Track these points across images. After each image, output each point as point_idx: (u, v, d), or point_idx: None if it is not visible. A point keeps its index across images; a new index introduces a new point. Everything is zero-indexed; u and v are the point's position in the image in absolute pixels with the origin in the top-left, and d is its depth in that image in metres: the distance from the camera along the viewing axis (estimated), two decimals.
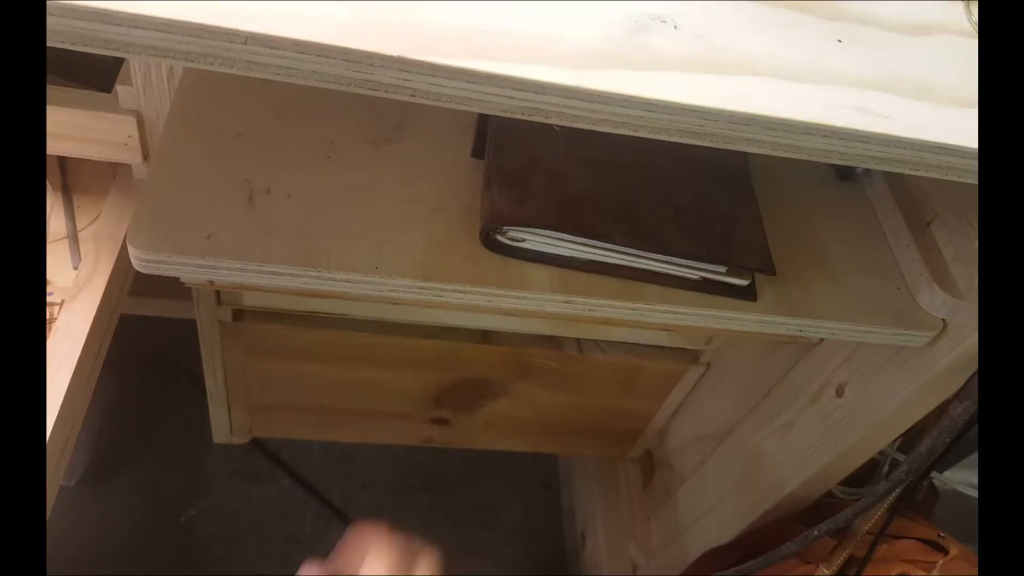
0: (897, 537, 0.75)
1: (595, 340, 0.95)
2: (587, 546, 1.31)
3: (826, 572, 0.73)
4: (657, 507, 1.13)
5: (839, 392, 0.79)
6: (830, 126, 0.40)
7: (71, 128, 0.66)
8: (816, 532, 0.64)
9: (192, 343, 0.86)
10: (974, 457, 0.79)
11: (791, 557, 0.67)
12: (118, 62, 0.66)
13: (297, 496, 1.38)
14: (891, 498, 0.65)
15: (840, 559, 0.73)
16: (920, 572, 0.74)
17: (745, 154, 0.64)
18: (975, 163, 0.42)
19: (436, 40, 0.38)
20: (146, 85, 0.64)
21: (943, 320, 0.64)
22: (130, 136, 0.67)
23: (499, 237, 0.58)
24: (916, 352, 0.69)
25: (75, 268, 0.71)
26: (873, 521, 0.69)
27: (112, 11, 0.34)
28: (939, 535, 0.78)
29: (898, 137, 0.41)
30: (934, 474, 0.79)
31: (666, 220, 0.60)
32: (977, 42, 0.49)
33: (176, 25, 0.35)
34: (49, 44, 0.35)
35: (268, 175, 0.58)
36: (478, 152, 0.64)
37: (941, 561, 0.75)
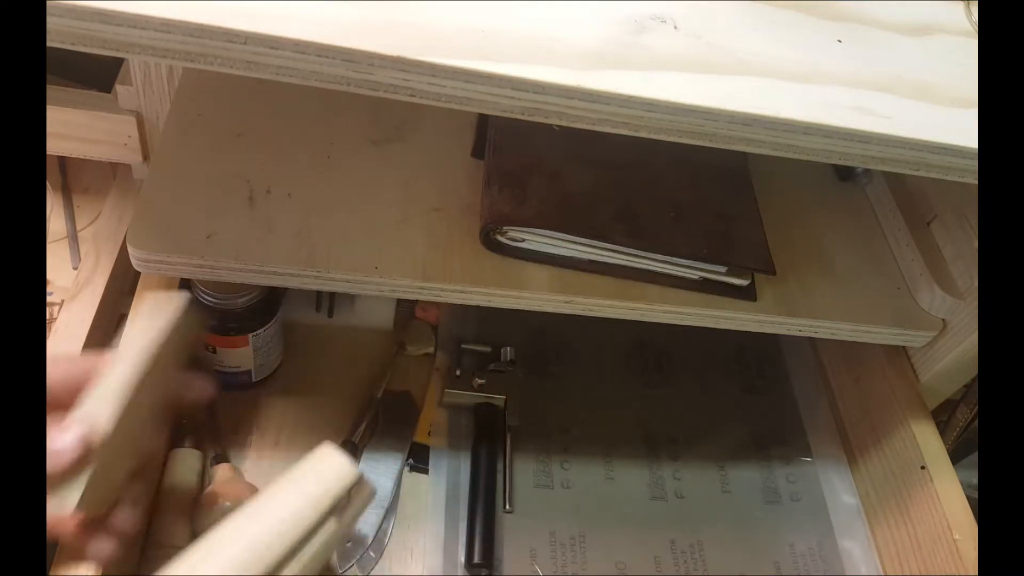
0: None
1: None
2: None
3: None
4: None
5: None
6: (830, 126, 0.40)
7: (71, 128, 0.66)
8: None
9: None
10: (974, 457, 0.79)
11: None
12: (118, 62, 0.66)
13: None
14: None
15: None
16: None
17: (745, 154, 0.64)
18: (975, 163, 0.42)
19: (436, 40, 0.38)
20: (146, 85, 0.64)
21: (943, 320, 0.64)
22: (130, 136, 0.67)
23: (499, 237, 0.58)
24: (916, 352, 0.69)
25: (75, 268, 0.71)
26: None
27: (112, 11, 0.34)
28: None
29: (898, 137, 0.41)
30: None
31: (666, 220, 0.60)
32: (977, 42, 0.49)
33: (176, 25, 0.35)
34: (49, 44, 0.35)
35: (268, 175, 0.58)
36: (478, 152, 0.64)
37: None
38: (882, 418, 0.70)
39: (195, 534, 0.59)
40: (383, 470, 0.67)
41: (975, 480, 0.73)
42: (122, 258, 0.69)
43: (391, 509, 0.65)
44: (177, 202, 0.55)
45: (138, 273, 0.56)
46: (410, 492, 0.66)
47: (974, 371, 0.66)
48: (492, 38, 0.39)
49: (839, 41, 0.46)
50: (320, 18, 0.37)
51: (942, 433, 0.69)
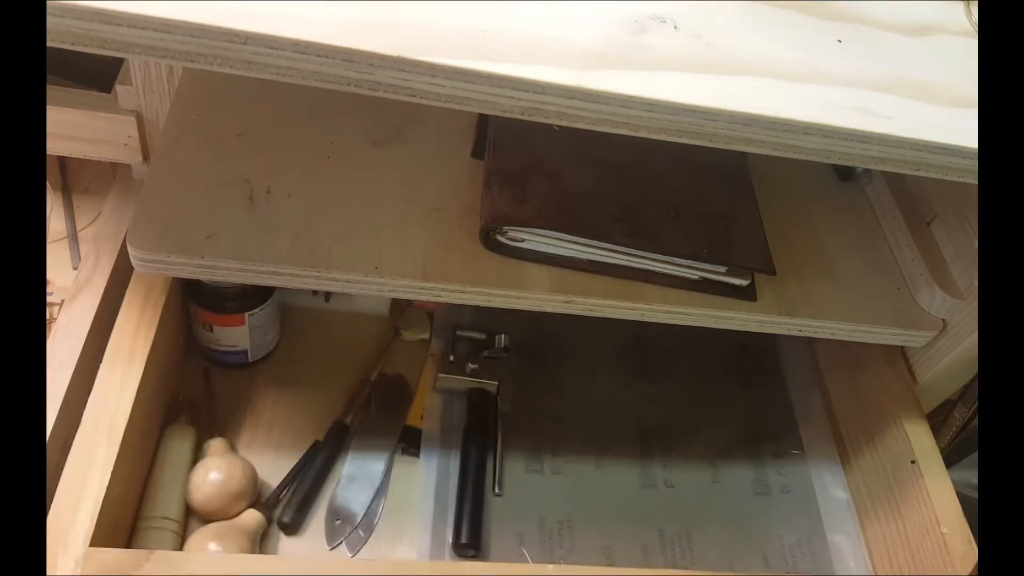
0: None
1: None
2: None
3: None
4: None
5: None
6: (830, 126, 0.40)
7: (71, 128, 0.66)
8: None
9: None
10: (974, 457, 0.79)
11: None
12: (118, 62, 0.66)
13: None
14: None
15: None
16: None
17: (745, 154, 0.64)
18: (975, 163, 0.42)
19: (436, 40, 0.38)
20: (146, 85, 0.64)
21: (943, 320, 0.64)
22: (130, 136, 0.67)
23: (499, 237, 0.58)
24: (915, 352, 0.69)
25: (75, 268, 0.71)
26: None
27: (112, 11, 0.34)
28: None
29: (898, 137, 0.41)
30: None
31: (666, 220, 0.60)
32: (977, 42, 0.49)
33: (176, 25, 0.35)
34: (49, 44, 0.35)
35: (268, 175, 0.58)
36: (478, 152, 0.64)
37: None
38: (875, 415, 0.70)
39: (188, 507, 0.61)
40: (375, 452, 0.68)
41: (974, 480, 0.74)
42: (122, 258, 0.69)
43: (381, 491, 0.66)
44: (177, 202, 0.55)
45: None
46: (401, 474, 0.67)
47: (974, 371, 0.66)
48: (492, 38, 0.39)
49: (839, 41, 0.46)
50: (320, 18, 0.37)
51: (939, 432, 0.69)
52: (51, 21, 0.34)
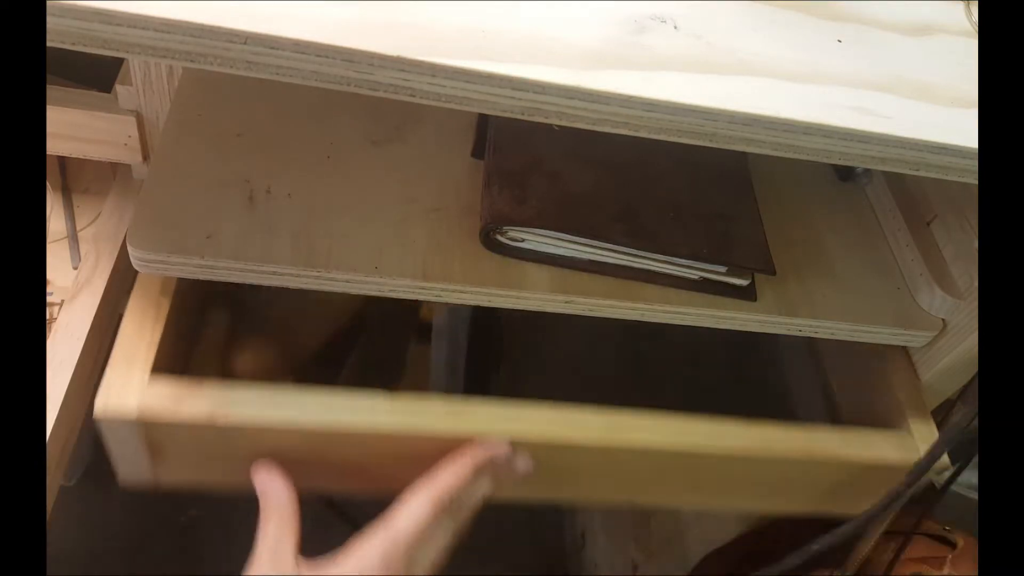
0: (903, 533, 0.74)
1: None
2: (587, 545, 1.31)
3: None
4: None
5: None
6: (830, 126, 0.41)
7: (71, 128, 0.66)
8: (816, 546, 0.63)
9: None
10: (973, 457, 0.79)
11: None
12: (118, 62, 0.66)
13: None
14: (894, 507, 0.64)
15: (856, 562, 0.72)
16: (932, 571, 0.74)
17: (745, 154, 0.64)
18: (975, 163, 0.42)
19: (436, 40, 0.38)
20: (146, 85, 0.64)
21: (943, 320, 0.64)
22: (130, 136, 0.67)
23: (499, 237, 0.58)
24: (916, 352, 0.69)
25: (75, 268, 0.71)
26: (887, 522, 0.69)
27: (112, 11, 0.34)
28: (944, 528, 0.77)
29: (898, 137, 0.41)
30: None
31: (666, 220, 0.60)
32: (977, 42, 0.49)
33: (176, 25, 0.35)
34: (49, 44, 0.35)
35: (268, 175, 0.58)
36: (478, 152, 0.64)
37: (950, 556, 0.75)
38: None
39: (223, 372, 0.66)
40: (390, 341, 0.75)
41: (974, 480, 0.73)
42: (122, 258, 0.69)
43: (395, 374, 0.74)
44: (177, 202, 0.55)
45: (138, 273, 0.56)
46: (414, 360, 0.75)
47: (974, 371, 0.66)
48: (492, 38, 0.39)
49: (839, 41, 0.46)
50: (320, 18, 0.37)
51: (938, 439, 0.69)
52: (51, 21, 0.34)
